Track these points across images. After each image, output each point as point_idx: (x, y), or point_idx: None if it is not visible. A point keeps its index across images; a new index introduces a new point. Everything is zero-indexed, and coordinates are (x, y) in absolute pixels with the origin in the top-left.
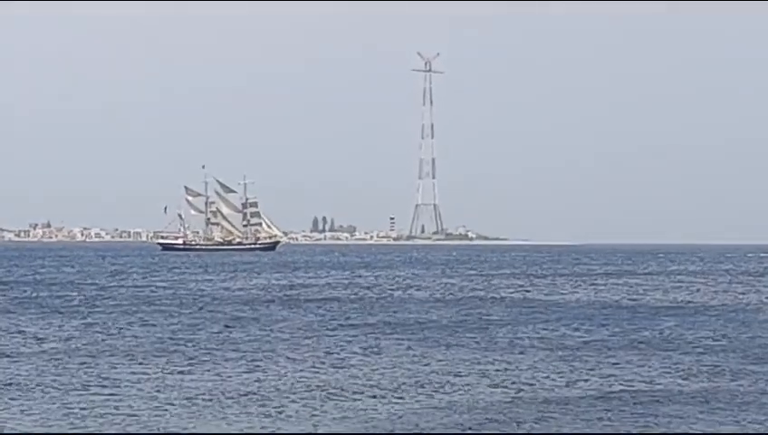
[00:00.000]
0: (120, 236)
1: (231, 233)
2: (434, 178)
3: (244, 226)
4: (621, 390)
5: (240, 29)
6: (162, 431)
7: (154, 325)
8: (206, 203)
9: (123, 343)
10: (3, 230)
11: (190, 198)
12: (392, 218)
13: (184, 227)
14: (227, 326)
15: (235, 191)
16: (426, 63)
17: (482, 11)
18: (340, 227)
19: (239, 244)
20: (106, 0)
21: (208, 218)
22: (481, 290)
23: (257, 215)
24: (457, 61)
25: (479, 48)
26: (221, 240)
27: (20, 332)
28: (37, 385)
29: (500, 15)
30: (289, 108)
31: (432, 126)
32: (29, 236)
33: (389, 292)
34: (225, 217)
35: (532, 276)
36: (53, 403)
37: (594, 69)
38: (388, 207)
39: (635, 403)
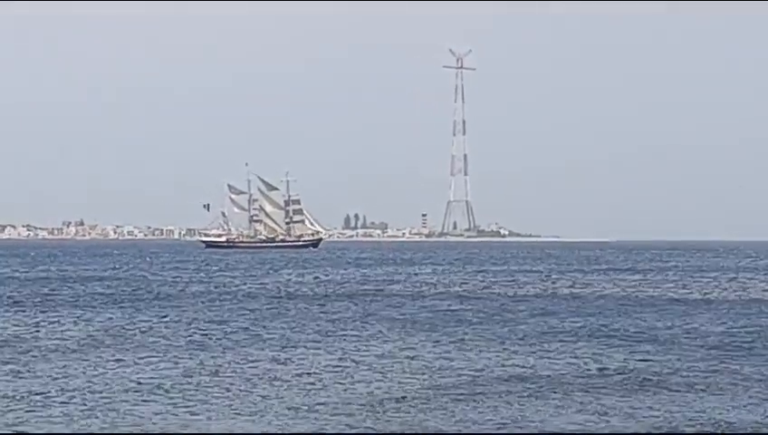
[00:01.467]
0: (153, 234)
1: (274, 230)
2: (466, 174)
3: (287, 223)
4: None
5: (275, 26)
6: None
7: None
8: (249, 201)
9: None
10: (36, 229)
11: (233, 195)
12: (424, 215)
13: (227, 225)
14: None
15: (277, 189)
16: (457, 60)
17: (513, 8)
18: (372, 223)
19: (282, 241)
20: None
21: (252, 216)
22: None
23: (300, 212)
24: (489, 57)
25: (510, 44)
26: (264, 238)
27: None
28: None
29: (531, 13)
30: (320, 105)
31: (464, 122)
32: (62, 234)
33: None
34: (268, 215)
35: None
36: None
37: (626, 65)
38: (420, 203)
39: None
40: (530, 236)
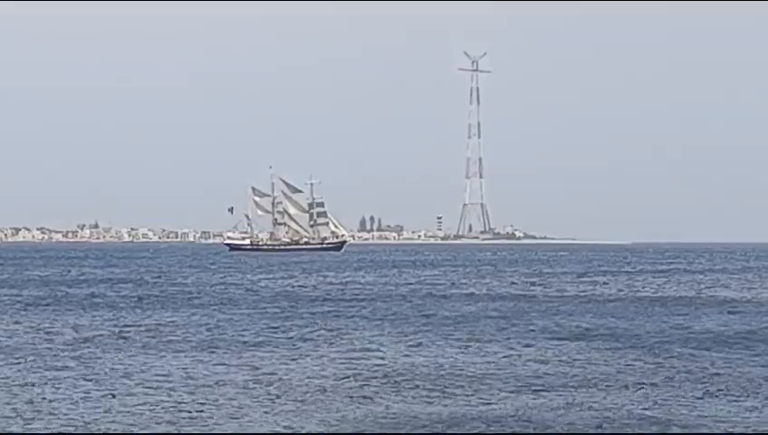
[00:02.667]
0: (168, 237)
1: (298, 233)
2: (481, 177)
3: (311, 226)
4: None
5: (290, 26)
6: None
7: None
8: (272, 203)
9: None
10: (51, 231)
11: (257, 198)
12: (439, 218)
13: (251, 228)
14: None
15: (301, 191)
16: (472, 63)
17: (528, 10)
18: (388, 226)
19: (306, 244)
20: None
21: (275, 219)
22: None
23: (324, 215)
24: (504, 60)
25: (525, 46)
26: (288, 240)
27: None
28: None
29: (546, 14)
30: (335, 107)
31: (479, 125)
32: (77, 236)
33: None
34: (291, 218)
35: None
36: None
37: (642, 66)
38: (435, 206)
39: None
40: (545, 238)
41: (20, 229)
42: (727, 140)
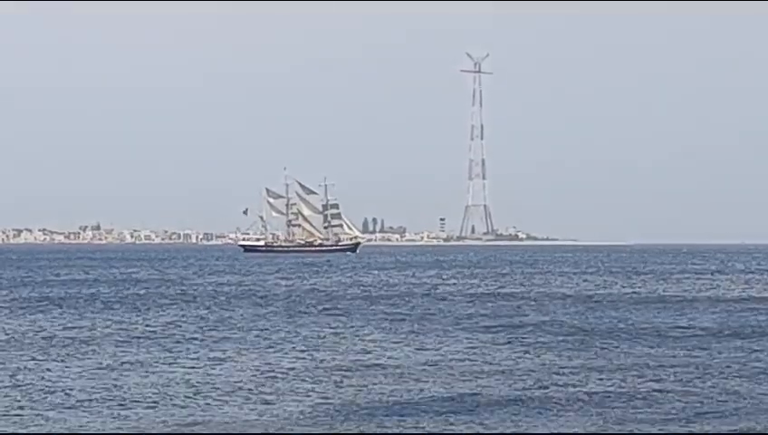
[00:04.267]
0: (170, 238)
1: (312, 235)
2: (484, 178)
3: (325, 227)
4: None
5: (289, 25)
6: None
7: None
8: (287, 205)
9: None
10: (53, 232)
11: (271, 199)
12: (442, 219)
13: (265, 229)
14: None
15: (316, 193)
16: (475, 64)
17: (530, 10)
18: (390, 228)
19: (320, 245)
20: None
21: (290, 220)
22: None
23: (338, 216)
24: (506, 61)
25: (527, 48)
26: (302, 242)
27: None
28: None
29: (548, 14)
30: (336, 108)
31: (482, 126)
32: (79, 238)
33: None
34: (306, 219)
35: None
36: None
37: (643, 65)
38: (438, 208)
39: None
40: (547, 239)
41: (22, 231)
42: (731, 140)
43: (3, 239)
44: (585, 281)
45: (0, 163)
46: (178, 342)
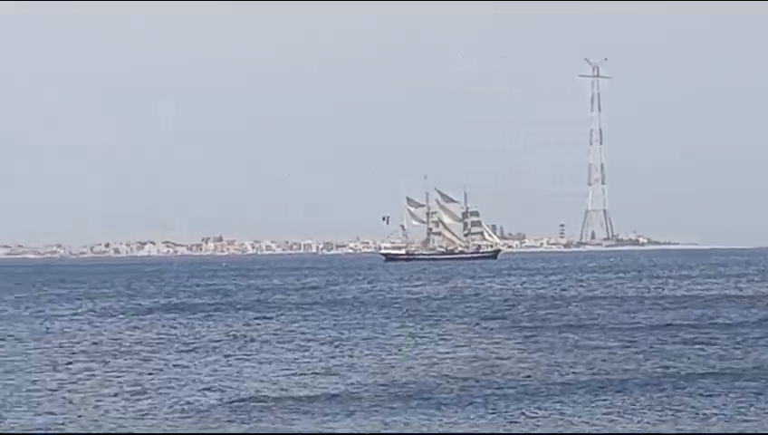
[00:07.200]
0: (291, 249)
1: (453, 242)
2: (603, 183)
3: (465, 235)
4: None
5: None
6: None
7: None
8: (427, 213)
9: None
10: (176, 245)
11: (412, 208)
12: (562, 225)
13: (406, 238)
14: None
15: (456, 201)
16: (593, 69)
17: (647, 9)
18: (510, 234)
19: (461, 253)
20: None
21: (430, 228)
22: None
23: (478, 224)
24: (625, 64)
25: (646, 51)
26: (443, 250)
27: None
28: None
29: (665, 15)
30: (457, 117)
31: (600, 131)
32: (201, 250)
33: None
34: (446, 227)
35: None
36: None
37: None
38: (557, 213)
39: None
40: (668, 243)
41: (146, 243)
42: None
43: (127, 251)
44: None
45: (125, 177)
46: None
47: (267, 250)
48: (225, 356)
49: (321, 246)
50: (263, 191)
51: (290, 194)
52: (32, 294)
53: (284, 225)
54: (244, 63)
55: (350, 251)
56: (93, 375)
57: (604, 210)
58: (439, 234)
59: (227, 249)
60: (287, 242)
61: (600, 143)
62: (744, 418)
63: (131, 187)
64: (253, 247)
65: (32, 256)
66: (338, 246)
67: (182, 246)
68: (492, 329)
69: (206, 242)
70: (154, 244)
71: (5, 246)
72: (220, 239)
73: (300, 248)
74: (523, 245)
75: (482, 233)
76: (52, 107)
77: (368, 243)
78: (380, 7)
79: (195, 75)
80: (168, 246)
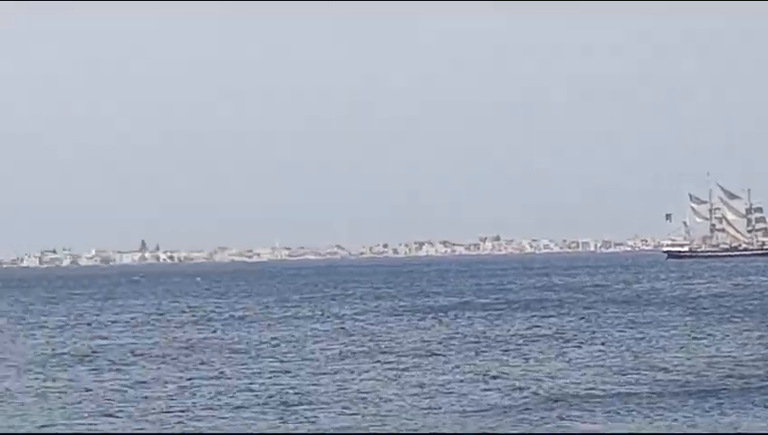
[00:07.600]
0: (569, 247)
1: (736, 239)
2: None
3: (749, 231)
4: None
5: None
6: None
7: None
8: (710, 210)
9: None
10: (454, 244)
11: (694, 205)
12: None
13: (689, 235)
14: None
15: (739, 197)
16: None
17: None
18: None
19: (744, 250)
20: None
21: (713, 225)
22: None
23: (763, 220)
24: None
25: None
26: (727, 246)
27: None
28: None
29: None
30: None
31: None
32: (479, 249)
33: None
34: (730, 224)
35: None
36: None
37: None
38: None
39: None
40: None
41: (423, 243)
42: None
43: (405, 252)
44: None
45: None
46: None
47: (545, 249)
48: (523, 355)
49: (599, 244)
50: (538, 190)
51: (564, 193)
52: (315, 295)
53: (560, 222)
54: None
55: (628, 249)
56: (380, 373)
57: None
58: (723, 230)
59: (505, 248)
60: (565, 241)
61: None
62: None
63: (407, 187)
64: (531, 246)
65: (312, 257)
66: (616, 244)
67: (460, 245)
68: None
69: (484, 242)
70: (432, 244)
71: (287, 248)
72: (498, 238)
73: (578, 247)
74: None
75: (766, 229)
76: None
77: (646, 240)
78: None
79: None
80: (445, 246)
